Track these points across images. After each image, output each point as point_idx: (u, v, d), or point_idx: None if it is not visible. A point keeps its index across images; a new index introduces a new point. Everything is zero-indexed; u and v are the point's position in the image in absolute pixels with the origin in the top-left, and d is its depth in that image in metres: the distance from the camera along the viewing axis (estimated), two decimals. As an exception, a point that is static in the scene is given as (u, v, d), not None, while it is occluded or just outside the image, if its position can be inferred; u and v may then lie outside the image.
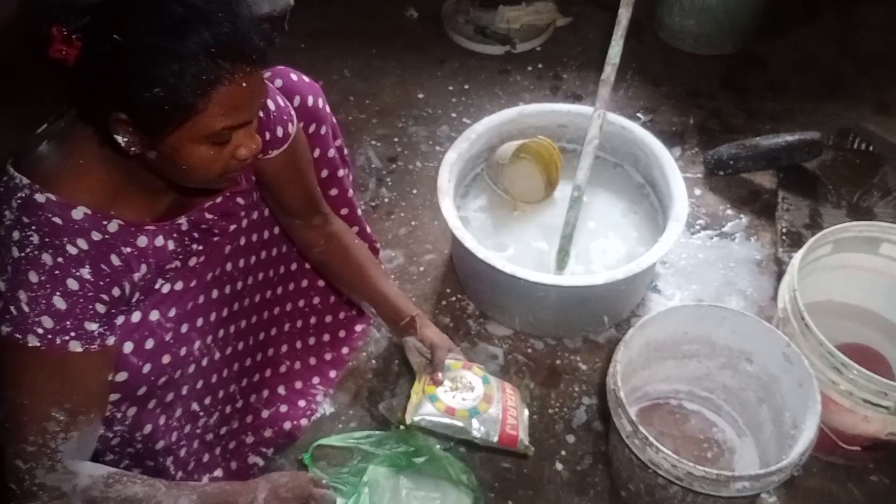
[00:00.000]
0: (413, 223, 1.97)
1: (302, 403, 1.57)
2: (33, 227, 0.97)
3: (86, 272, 0.99)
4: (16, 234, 0.97)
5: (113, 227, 1.04)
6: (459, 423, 1.28)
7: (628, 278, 1.50)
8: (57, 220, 0.98)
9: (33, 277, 0.96)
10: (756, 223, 1.94)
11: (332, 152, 1.44)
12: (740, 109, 2.26)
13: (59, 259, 0.97)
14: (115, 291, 1.03)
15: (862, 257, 1.53)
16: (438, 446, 1.42)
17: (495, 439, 1.30)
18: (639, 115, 2.23)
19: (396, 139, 2.20)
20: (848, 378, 1.29)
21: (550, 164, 1.82)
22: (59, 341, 0.97)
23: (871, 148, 2.05)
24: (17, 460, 0.98)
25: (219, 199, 1.21)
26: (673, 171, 1.67)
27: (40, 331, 0.96)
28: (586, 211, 1.72)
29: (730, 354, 1.42)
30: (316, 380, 1.62)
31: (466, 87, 2.36)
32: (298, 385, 1.59)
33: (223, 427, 1.44)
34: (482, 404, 1.33)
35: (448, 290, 1.81)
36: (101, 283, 1.01)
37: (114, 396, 1.10)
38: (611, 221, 1.78)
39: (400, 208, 2.01)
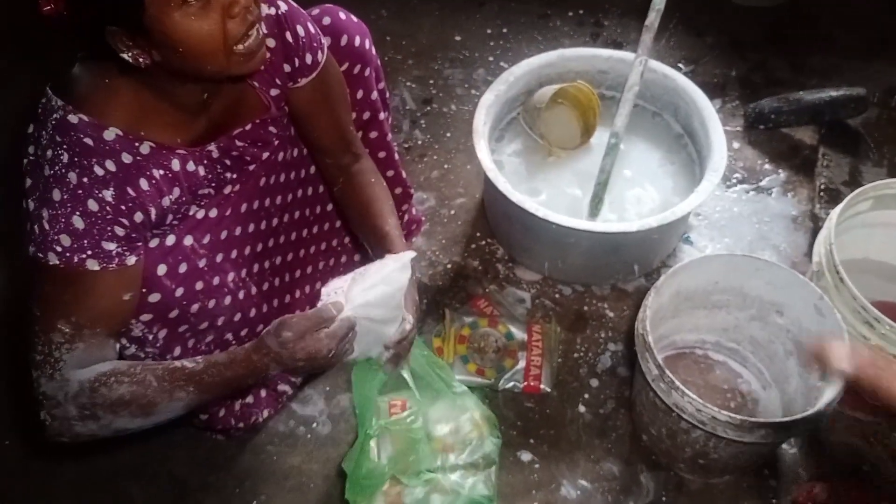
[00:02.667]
0: (446, 166, 1.97)
1: None
2: (64, 146, 0.98)
3: (108, 194, 1.00)
4: (49, 153, 0.98)
5: (145, 148, 1.04)
6: (488, 381, 1.52)
7: (661, 227, 1.50)
8: (88, 140, 0.99)
9: (56, 196, 0.97)
10: (794, 179, 1.91)
11: (374, 94, 1.44)
12: (785, 63, 2.20)
13: (84, 179, 0.98)
14: (138, 216, 1.04)
15: (902, 215, 1.51)
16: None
17: (520, 389, 1.52)
18: (680, 65, 2.19)
19: (432, 81, 2.18)
20: (879, 333, 1.28)
21: (588, 110, 1.80)
22: (76, 259, 0.99)
23: (917, 107, 2.00)
24: (32, 369, 1.02)
25: (248, 127, 1.21)
26: (714, 122, 1.65)
27: (59, 248, 0.98)
28: (622, 159, 1.71)
29: (760, 306, 1.42)
30: None
31: (505, 30, 2.32)
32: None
33: None
34: (507, 361, 1.56)
35: (478, 234, 1.82)
36: (123, 206, 1.01)
37: (146, 317, 1.13)
38: (647, 170, 1.76)
39: (433, 151, 2.00)
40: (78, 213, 0.98)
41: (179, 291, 1.16)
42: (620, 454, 1.46)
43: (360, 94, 1.41)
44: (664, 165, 1.77)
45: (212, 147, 1.16)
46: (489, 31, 2.32)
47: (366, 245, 1.39)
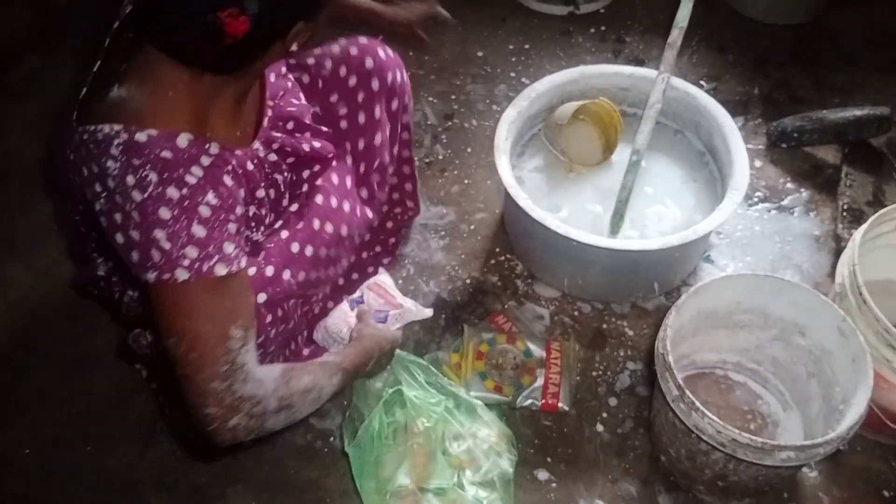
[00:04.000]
0: (466, 181, 1.97)
1: None
2: (147, 166, 0.96)
3: (211, 197, 1.00)
4: (130, 179, 0.96)
5: (214, 149, 1.03)
6: (506, 398, 1.52)
7: (683, 245, 1.49)
8: (166, 153, 0.97)
9: (165, 214, 0.96)
10: (817, 198, 1.90)
11: (406, 118, 1.53)
12: (808, 81, 2.19)
13: (185, 190, 0.97)
14: (239, 210, 1.05)
15: (927, 237, 1.50)
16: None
17: (538, 407, 1.52)
18: (702, 82, 2.18)
19: (453, 96, 2.19)
20: (903, 357, 1.27)
21: (610, 127, 1.80)
22: (205, 268, 0.98)
23: (943, 127, 1.98)
24: (213, 383, 1.00)
25: (270, 113, 1.24)
26: (736, 140, 1.64)
27: (186, 262, 0.97)
28: (644, 176, 1.70)
29: (783, 327, 1.40)
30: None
31: (527, 46, 2.33)
32: None
33: None
34: (525, 378, 1.55)
35: (497, 250, 1.82)
36: (226, 204, 1.02)
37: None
38: (669, 188, 1.75)
39: (454, 166, 2.01)
40: (196, 222, 0.98)
41: (269, 318, 1.25)
42: (638, 474, 1.45)
43: (400, 125, 1.53)
44: (686, 183, 1.77)
45: (257, 145, 1.18)
46: (511, 47, 2.33)
47: None
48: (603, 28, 2.39)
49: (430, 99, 2.18)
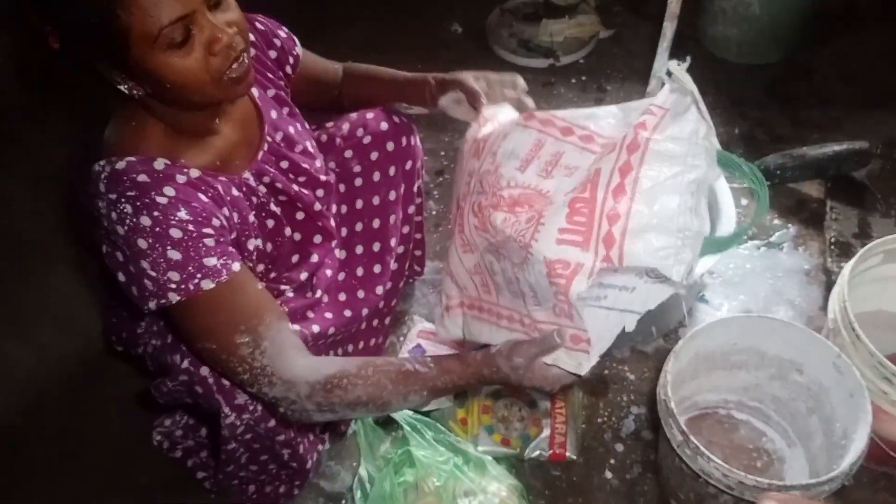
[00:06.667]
0: (461, 235, 2.01)
1: None
2: (122, 199, 1.02)
3: (183, 214, 1.04)
4: (114, 216, 1.03)
5: (194, 173, 1.10)
6: (514, 451, 1.53)
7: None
8: (142, 177, 1.03)
9: (143, 244, 1.02)
10: (804, 233, 1.95)
11: (418, 182, 1.60)
12: (786, 119, 2.26)
13: (156, 213, 1.02)
14: (216, 221, 1.09)
15: (913, 268, 1.53)
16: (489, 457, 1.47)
17: (546, 457, 1.53)
18: (683, 125, 2.24)
19: (443, 153, 2.25)
20: (899, 389, 1.29)
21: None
22: (192, 287, 1.04)
23: (920, 156, 2.04)
24: (247, 388, 1.09)
25: (264, 150, 1.27)
26: (721, 181, 1.68)
27: (173, 286, 1.03)
28: (633, 222, 1.74)
29: (780, 365, 1.43)
30: None
31: (511, 99, 2.40)
32: None
33: None
34: (532, 429, 1.57)
35: (496, 301, 1.84)
36: (199, 218, 1.06)
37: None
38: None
39: (447, 221, 2.05)
40: (168, 246, 1.03)
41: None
42: (650, 519, 1.47)
43: (415, 187, 1.59)
44: (674, 227, 1.80)
45: (247, 174, 1.23)
46: (496, 101, 2.39)
47: (392, 104, 1.52)
48: (584, 78, 2.46)
49: (422, 175, 2.23)
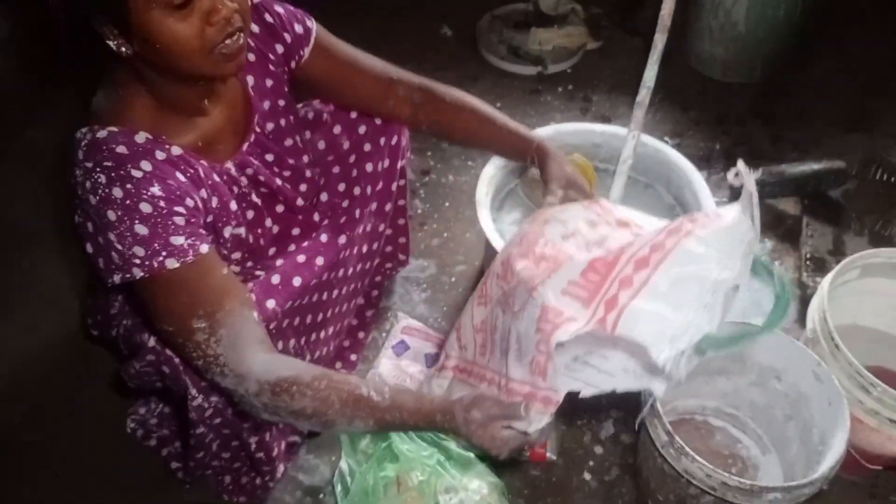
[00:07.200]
0: (445, 234, 2.02)
1: None
2: (98, 169, 1.01)
3: (156, 189, 1.03)
4: (88, 184, 1.01)
5: (176, 150, 1.09)
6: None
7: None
8: (122, 148, 1.03)
9: (112, 216, 1.01)
10: (780, 247, 1.99)
11: (403, 162, 1.59)
12: (767, 136, 2.31)
13: (129, 186, 1.01)
14: (189, 202, 1.08)
15: (889, 283, 1.58)
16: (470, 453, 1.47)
17: (526, 457, 1.53)
18: (666, 138, 2.28)
19: (430, 153, 2.25)
20: (875, 397, 1.32)
21: (584, 181, 1.87)
22: (156, 264, 1.02)
23: (893, 179, 2.10)
24: (205, 375, 1.08)
25: (252, 138, 1.26)
26: (705, 194, 1.72)
27: (137, 261, 1.02)
28: (618, 228, 1.77)
29: (760, 372, 1.46)
30: (338, 364, 1.66)
31: (499, 104, 2.41)
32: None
33: None
34: None
35: (479, 301, 1.85)
36: (172, 196, 1.05)
37: None
38: (642, 240, 1.82)
39: (433, 220, 2.06)
40: (137, 220, 1.01)
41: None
42: (627, 521, 1.48)
43: (399, 165, 1.57)
44: (658, 235, 1.83)
45: (229, 164, 1.22)
46: (484, 105, 2.41)
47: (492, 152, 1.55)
48: (570, 87, 2.49)
49: (407, 155, 2.23)
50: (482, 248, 1.94)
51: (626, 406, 1.64)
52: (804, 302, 1.75)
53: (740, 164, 1.02)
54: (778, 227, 2.04)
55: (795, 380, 1.41)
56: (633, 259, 0.97)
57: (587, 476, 1.54)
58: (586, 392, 1.05)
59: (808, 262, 1.87)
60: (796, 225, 2.01)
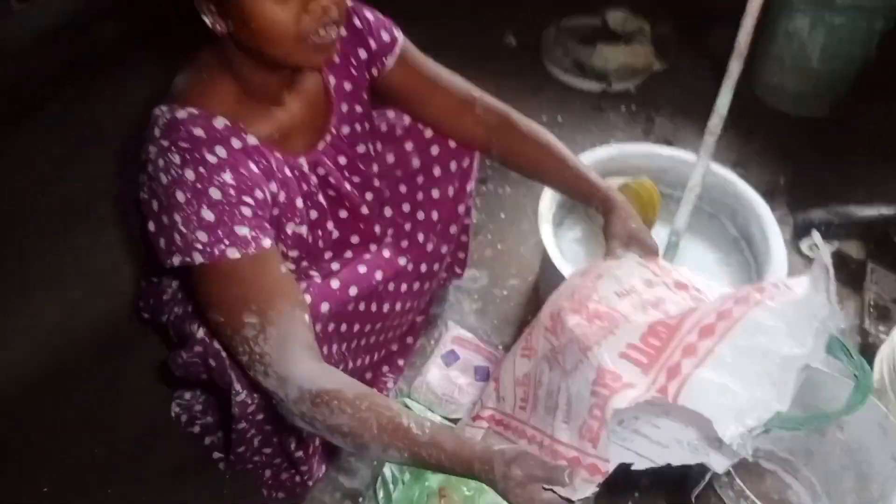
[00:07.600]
0: (499, 246, 2.00)
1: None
2: (173, 148, 1.01)
3: (227, 177, 1.03)
4: (161, 163, 1.01)
5: (252, 140, 1.09)
6: None
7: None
8: (199, 130, 1.03)
9: (181, 197, 1.00)
10: (841, 291, 1.93)
11: (472, 183, 1.57)
12: (833, 173, 2.25)
13: (201, 169, 1.01)
14: (258, 194, 1.07)
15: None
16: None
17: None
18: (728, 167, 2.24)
19: (487, 162, 2.22)
20: (945, 458, 1.28)
21: (648, 205, 1.83)
22: (217, 252, 1.01)
23: (964, 229, 2.04)
24: (249, 372, 1.05)
25: (328, 138, 1.26)
26: (773, 230, 1.68)
27: (199, 246, 1.01)
28: (680, 257, 1.73)
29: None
30: (385, 368, 1.65)
31: (559, 118, 2.39)
32: (368, 376, 1.58)
33: None
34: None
35: (530, 318, 1.81)
36: (243, 185, 1.05)
37: None
38: (704, 270, 1.78)
39: (487, 230, 2.04)
40: (205, 205, 1.01)
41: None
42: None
43: (469, 187, 1.57)
44: (721, 266, 1.80)
45: (302, 160, 1.21)
46: (544, 119, 2.38)
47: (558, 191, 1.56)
48: (634, 107, 2.46)
49: (476, 177, 2.22)
50: (537, 263, 1.91)
51: (661, 479, 1.59)
52: (864, 349, 1.70)
53: (815, 235, 0.98)
54: (841, 270, 1.98)
55: (858, 431, 1.37)
56: (698, 326, 0.94)
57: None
58: (639, 465, 0.98)
59: (871, 310, 1.82)
60: (860, 269, 1.96)
